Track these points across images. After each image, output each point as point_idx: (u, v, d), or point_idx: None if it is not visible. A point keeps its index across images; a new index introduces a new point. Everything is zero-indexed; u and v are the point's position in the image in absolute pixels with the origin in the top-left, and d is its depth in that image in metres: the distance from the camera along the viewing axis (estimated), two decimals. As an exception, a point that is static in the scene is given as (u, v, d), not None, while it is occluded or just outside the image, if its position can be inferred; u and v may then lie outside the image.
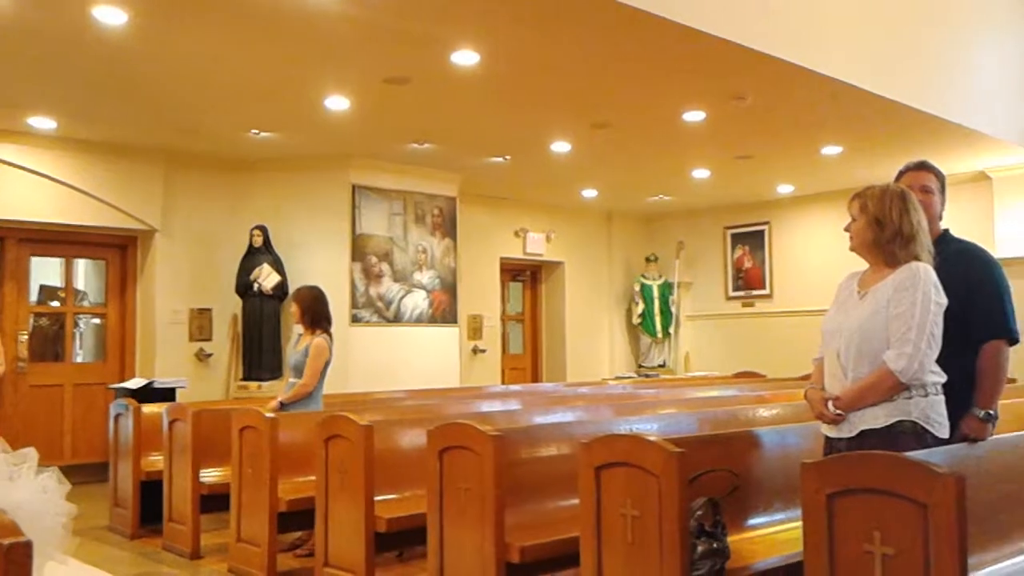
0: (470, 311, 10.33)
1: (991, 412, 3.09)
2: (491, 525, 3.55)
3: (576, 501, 3.35)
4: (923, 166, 3.37)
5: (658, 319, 11.72)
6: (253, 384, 8.22)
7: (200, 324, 8.41)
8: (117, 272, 8.35)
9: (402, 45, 5.45)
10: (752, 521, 3.39)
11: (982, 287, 3.16)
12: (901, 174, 3.38)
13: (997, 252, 7.00)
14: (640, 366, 11.88)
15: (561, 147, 8.08)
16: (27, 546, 1.86)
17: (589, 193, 10.57)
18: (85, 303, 8.48)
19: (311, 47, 5.47)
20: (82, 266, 8.53)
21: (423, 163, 8.72)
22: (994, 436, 3.12)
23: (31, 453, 2.23)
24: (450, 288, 9.30)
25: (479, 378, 10.21)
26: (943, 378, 2.85)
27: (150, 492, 5.75)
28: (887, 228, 2.88)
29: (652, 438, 3.12)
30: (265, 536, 4.67)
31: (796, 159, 8.78)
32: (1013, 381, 4.34)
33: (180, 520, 5.33)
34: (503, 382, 10.57)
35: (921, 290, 2.77)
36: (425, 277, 9.06)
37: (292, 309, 5.77)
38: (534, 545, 3.53)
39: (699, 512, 2.96)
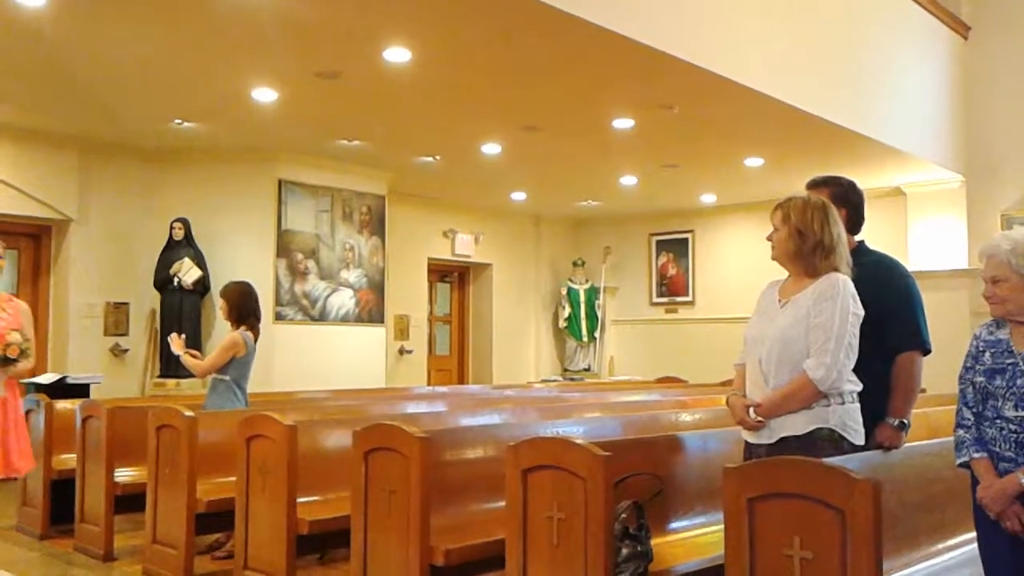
0: (397, 311, 10.26)
1: (905, 421, 3.19)
2: (416, 527, 3.52)
3: (502, 503, 3.35)
4: (816, 183, 3.43)
5: (584, 323, 11.83)
6: (171, 382, 8.01)
7: (116, 319, 8.17)
8: (30, 262, 8.05)
9: (333, 39, 5.38)
10: (674, 524, 3.44)
11: (896, 299, 3.25)
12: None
13: (910, 265, 7.26)
14: (565, 369, 11.97)
15: (491, 149, 8.09)
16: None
17: (518, 196, 10.60)
18: (-6, 294, 8.15)
19: (239, 36, 5.36)
20: (-9, 255, 8.19)
21: (352, 160, 8.63)
22: (907, 444, 3.23)
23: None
24: (377, 287, 9.22)
25: (405, 379, 10.15)
26: (859, 386, 2.94)
27: (61, 491, 5.55)
28: (808, 239, 2.95)
29: (579, 441, 3.14)
30: (183, 538, 4.55)
31: (720, 169, 8.96)
32: (924, 391, 4.49)
33: (93, 521, 5.16)
34: (429, 383, 10.53)
35: (840, 301, 2.85)
36: (352, 276, 8.96)
37: (220, 305, 5.65)
38: (459, 548, 3.52)
39: (623, 515, 2.99)
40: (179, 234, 8.14)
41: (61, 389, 6.40)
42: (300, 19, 5.03)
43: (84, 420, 5.30)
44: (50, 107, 6.85)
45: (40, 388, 6.34)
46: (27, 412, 5.85)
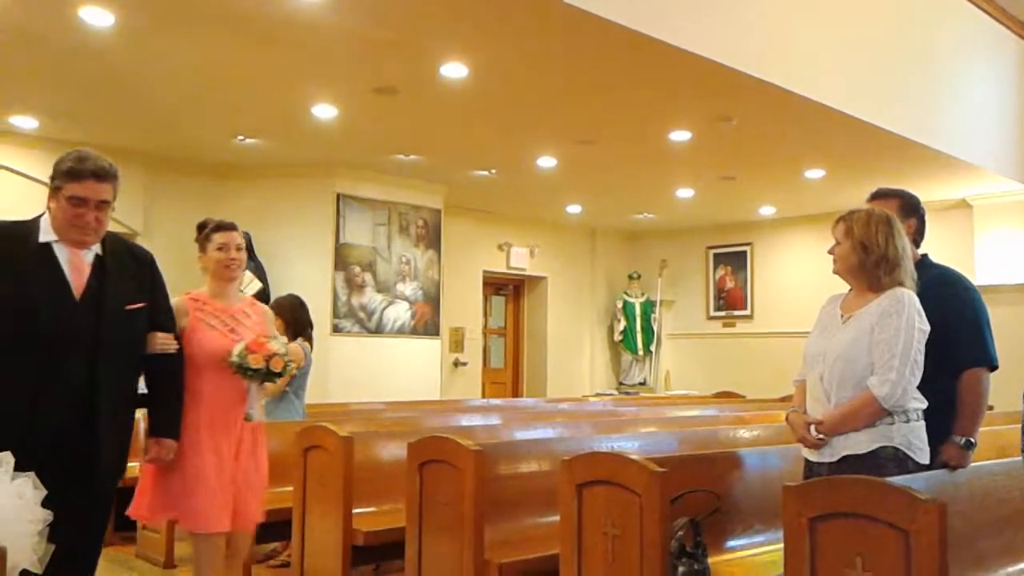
0: (452, 324, 10.30)
1: (971, 440, 3.10)
2: (470, 541, 3.52)
3: (556, 518, 3.33)
4: (879, 195, 3.36)
5: (639, 337, 11.74)
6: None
7: (179, 330, 8.32)
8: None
9: (392, 56, 5.44)
10: (732, 543, 3.38)
11: (962, 314, 3.17)
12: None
13: (976, 279, 7.07)
14: (620, 383, 11.89)
15: (547, 162, 8.09)
16: (1, 552, 1.83)
17: (573, 209, 10.59)
18: (63, 305, 8.38)
19: (301, 55, 5.45)
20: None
21: (409, 174, 8.71)
22: (973, 463, 3.14)
23: (6, 458, 2.20)
24: (433, 300, 9.28)
25: (460, 391, 10.17)
26: (924, 404, 2.86)
27: (125, 499, 5.66)
28: (872, 253, 2.89)
29: (634, 457, 3.11)
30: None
31: (779, 181, 8.84)
32: (991, 408, 4.36)
33: (153, 528, 5.26)
34: (483, 396, 10.54)
35: (906, 317, 2.79)
36: (408, 288, 9.03)
37: (275, 323, 5.71)
38: (513, 562, 3.50)
39: (680, 532, 2.95)
40: (240, 247, 8.28)
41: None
42: (360, 37, 5.10)
43: (148, 429, 5.41)
44: (117, 124, 7.04)
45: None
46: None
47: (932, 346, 2.86)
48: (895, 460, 2.77)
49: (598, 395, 10.27)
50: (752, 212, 10.58)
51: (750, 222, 11.07)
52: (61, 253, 2.81)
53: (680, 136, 7.09)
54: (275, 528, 4.69)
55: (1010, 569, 2.99)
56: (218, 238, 3.55)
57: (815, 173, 8.35)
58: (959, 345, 3.10)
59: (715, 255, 11.63)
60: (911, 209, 3.29)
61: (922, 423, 2.86)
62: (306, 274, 8.30)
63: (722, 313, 11.52)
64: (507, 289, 11.76)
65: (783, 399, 7.73)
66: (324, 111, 6.58)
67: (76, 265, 2.80)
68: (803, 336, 3.15)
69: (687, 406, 7.66)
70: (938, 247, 3.53)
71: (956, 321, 3.12)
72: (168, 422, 3.18)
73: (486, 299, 11.25)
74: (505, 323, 11.78)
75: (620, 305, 11.87)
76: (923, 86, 7.25)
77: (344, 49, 5.33)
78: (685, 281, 11.88)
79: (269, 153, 7.92)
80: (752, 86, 5.71)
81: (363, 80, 5.90)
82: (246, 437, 3.44)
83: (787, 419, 3.07)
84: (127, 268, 2.94)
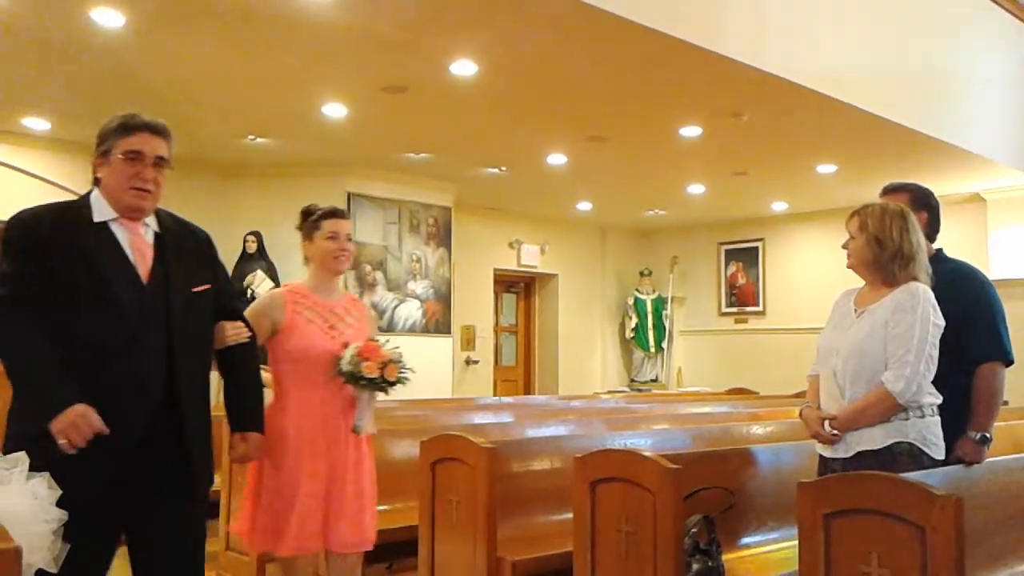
0: (463, 322, 10.30)
1: (986, 435, 3.08)
2: (483, 539, 3.52)
3: (569, 515, 3.33)
4: (892, 189, 3.35)
5: (651, 333, 11.72)
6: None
7: (192, 329, 8.34)
8: (109, 275, 8.30)
9: (401, 54, 5.44)
10: (746, 540, 3.37)
11: (977, 308, 3.15)
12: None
13: (991, 273, 7.01)
14: (632, 380, 11.87)
15: (557, 159, 8.08)
16: (16, 552, 1.83)
17: (584, 206, 10.57)
18: (76, 306, 8.42)
19: (310, 54, 5.46)
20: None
21: (419, 172, 8.71)
22: (989, 459, 3.12)
23: (22, 458, 2.20)
24: (444, 298, 9.28)
25: (471, 389, 10.18)
26: (939, 399, 2.85)
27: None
28: (887, 247, 2.87)
29: (647, 454, 3.10)
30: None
31: (791, 177, 8.80)
32: (1006, 403, 4.33)
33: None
34: (495, 394, 10.54)
35: (920, 311, 2.77)
36: (419, 287, 9.03)
37: None
38: (527, 560, 3.50)
39: (694, 529, 2.94)
40: (252, 247, 8.30)
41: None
42: (369, 36, 5.10)
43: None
44: (129, 124, 7.06)
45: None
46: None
47: (947, 341, 2.85)
48: (910, 456, 2.76)
49: (610, 392, 10.25)
50: (764, 208, 10.54)
51: (762, 218, 11.03)
52: (120, 234, 2.47)
53: (691, 132, 7.07)
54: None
55: (1027, 565, 2.97)
56: (328, 226, 3.23)
57: (827, 168, 8.31)
58: (974, 340, 3.08)
59: (727, 251, 11.59)
60: (922, 203, 3.27)
61: (937, 418, 2.84)
62: (317, 273, 8.28)
63: (734, 309, 11.49)
64: (518, 287, 11.75)
65: (797, 395, 7.69)
66: (334, 110, 6.59)
67: (138, 246, 2.48)
68: (816, 332, 3.14)
69: (700, 403, 7.63)
70: (951, 241, 3.51)
71: (971, 316, 3.10)
72: (252, 415, 2.81)
73: (497, 297, 11.24)
74: (516, 321, 11.78)
75: (631, 302, 11.85)
76: (935, 80, 7.20)
77: (354, 48, 5.33)
78: (696, 277, 11.84)
79: (279, 152, 7.94)
80: (763, 81, 5.69)
81: (373, 79, 5.90)
82: (352, 450, 3.10)
83: (801, 415, 3.05)
84: (187, 246, 2.62)
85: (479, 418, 5.98)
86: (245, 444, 2.78)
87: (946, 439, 2.88)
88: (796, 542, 2.59)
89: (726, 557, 3.04)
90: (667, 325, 11.76)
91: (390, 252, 8.82)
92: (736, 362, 11.16)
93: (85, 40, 5.15)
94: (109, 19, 4.84)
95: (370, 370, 2.99)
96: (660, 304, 11.79)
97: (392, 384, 3.07)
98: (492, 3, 4.71)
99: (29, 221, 2.45)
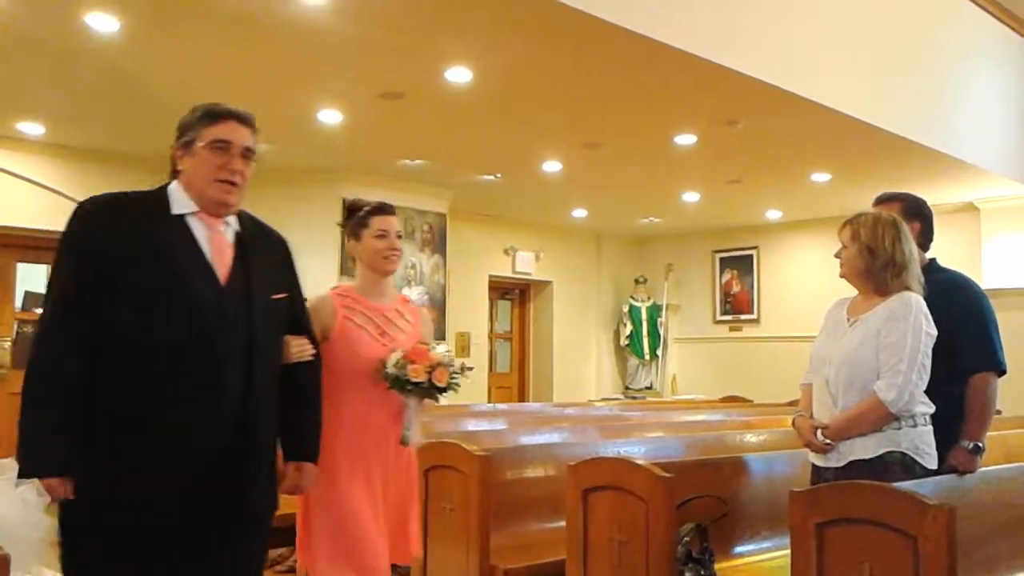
0: (458, 328, 10.29)
1: (979, 444, 3.08)
2: (476, 546, 3.52)
3: (562, 523, 3.32)
4: (885, 199, 3.35)
5: (646, 341, 11.72)
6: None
7: (185, 335, 8.32)
8: (103, 280, 8.27)
9: (397, 61, 5.45)
10: (739, 548, 3.37)
11: (970, 318, 3.16)
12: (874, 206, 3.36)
13: (984, 283, 7.03)
14: (627, 388, 11.87)
15: (552, 166, 8.09)
16: (5, 560, 1.82)
17: (579, 213, 10.58)
18: (69, 311, 8.39)
19: (306, 60, 5.46)
20: (68, 273, 8.45)
21: (414, 179, 8.71)
22: (981, 468, 3.12)
23: (10, 464, 2.19)
24: (438, 305, 9.27)
25: (465, 396, 10.12)
26: (932, 408, 2.85)
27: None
28: (879, 257, 2.88)
29: (640, 462, 3.10)
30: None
31: (785, 185, 8.82)
32: (999, 413, 4.34)
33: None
34: (489, 400, 10.52)
35: (912, 320, 2.77)
36: (414, 293, 9.02)
37: None
38: (519, 568, 3.50)
39: (686, 538, 2.94)
40: (246, 252, 8.29)
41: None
42: (365, 42, 5.10)
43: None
44: (123, 129, 7.05)
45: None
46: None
47: (940, 350, 2.85)
48: (902, 465, 2.76)
49: (604, 400, 10.24)
50: (758, 216, 10.57)
51: (756, 226, 11.05)
52: (199, 229, 2.24)
53: (685, 140, 7.08)
54: (281, 533, 4.68)
55: (1020, 574, 2.97)
56: (377, 223, 2.99)
57: (821, 176, 8.33)
58: (967, 349, 3.09)
59: (721, 259, 11.61)
60: (914, 212, 3.27)
61: (929, 427, 2.84)
62: (313, 279, 8.11)
63: (728, 317, 11.50)
64: (513, 294, 11.75)
65: (790, 403, 7.70)
66: (329, 116, 6.59)
67: (217, 244, 2.24)
68: (810, 340, 3.14)
69: (694, 410, 7.63)
70: (945, 250, 3.51)
71: (964, 325, 3.10)
72: (310, 443, 2.52)
73: (492, 304, 11.24)
74: (511, 328, 11.77)
75: (626, 309, 11.85)
76: (930, 89, 7.22)
77: (349, 54, 5.34)
78: (691, 285, 11.85)
79: (275, 159, 7.92)
80: (757, 89, 5.70)
81: (368, 85, 5.91)
82: (398, 461, 2.89)
83: (793, 423, 3.06)
84: (267, 250, 2.41)
85: (473, 425, 5.97)
86: (299, 475, 2.49)
87: (939, 448, 2.89)
88: (789, 551, 2.59)
89: (719, 566, 3.04)
90: (662, 333, 11.76)
91: (385, 258, 8.80)
92: (730, 370, 11.17)
93: (80, 44, 5.14)
94: (104, 24, 4.83)
95: (416, 374, 2.75)
96: (655, 312, 11.79)
97: (442, 390, 2.80)
98: (487, 10, 4.72)
99: (98, 209, 2.25)
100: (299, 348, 2.44)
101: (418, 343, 2.88)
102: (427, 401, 2.89)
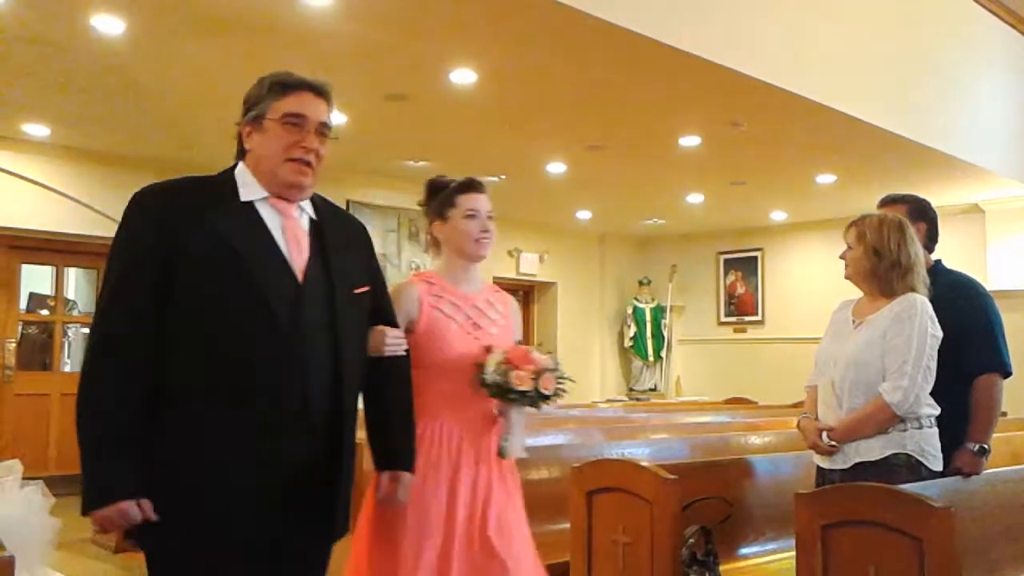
0: (462, 330, 10.28)
1: (984, 446, 3.08)
2: (480, 548, 3.50)
3: (566, 525, 3.32)
4: (891, 200, 3.35)
5: (650, 342, 11.71)
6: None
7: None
8: (108, 282, 8.29)
9: (402, 62, 5.45)
10: (744, 550, 3.36)
11: (975, 320, 3.16)
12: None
13: (989, 284, 7.00)
14: (631, 389, 11.85)
15: (556, 168, 8.09)
16: (10, 561, 1.82)
17: (583, 215, 10.58)
18: (75, 312, 8.41)
19: (310, 62, 5.45)
20: (73, 275, 8.47)
21: (419, 180, 8.57)
22: (987, 470, 3.11)
23: (16, 466, 2.20)
24: (442, 306, 9.27)
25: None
26: (937, 410, 2.85)
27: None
28: (885, 258, 2.88)
29: (645, 464, 3.09)
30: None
31: (790, 186, 8.81)
32: (1004, 415, 4.33)
33: None
34: (493, 402, 10.49)
35: (918, 322, 2.77)
36: (417, 295, 9.02)
37: None
38: (523, 569, 3.48)
39: (691, 540, 2.93)
40: (251, 254, 8.30)
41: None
42: (370, 44, 5.11)
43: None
44: (128, 132, 7.06)
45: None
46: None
47: (945, 352, 2.85)
48: (908, 467, 2.75)
49: (608, 401, 10.23)
50: (763, 217, 10.55)
51: (761, 227, 11.04)
52: (271, 217, 2.00)
53: (690, 141, 7.07)
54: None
55: (1025, 577, 2.97)
56: (465, 202, 2.70)
57: (826, 178, 8.32)
58: (972, 351, 3.08)
59: (726, 260, 11.60)
60: (920, 214, 3.27)
61: (935, 429, 2.84)
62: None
63: (733, 319, 11.48)
64: (517, 295, 11.74)
65: (795, 405, 7.68)
66: (334, 118, 6.55)
67: (293, 233, 2.00)
68: (814, 342, 3.14)
69: (698, 412, 7.62)
70: (950, 252, 3.51)
71: (969, 327, 3.10)
72: (406, 449, 2.27)
73: (496, 305, 11.22)
74: (515, 329, 11.76)
75: (630, 311, 11.84)
76: (935, 90, 7.21)
77: (354, 56, 5.34)
78: (695, 286, 11.84)
79: (279, 160, 7.94)
80: (762, 91, 5.69)
81: (373, 87, 5.91)
82: (495, 477, 2.51)
83: (799, 425, 3.05)
84: (344, 237, 2.16)
85: (477, 427, 5.95)
86: (394, 484, 2.23)
87: (944, 451, 2.88)
88: (794, 553, 2.58)
89: (723, 568, 3.03)
90: (666, 334, 11.75)
91: (389, 260, 8.81)
92: (735, 372, 11.15)
93: (85, 47, 5.15)
94: (109, 26, 4.84)
95: (521, 382, 2.42)
96: (659, 313, 11.78)
97: (547, 399, 2.49)
98: (492, 12, 4.72)
99: (155, 199, 1.98)
100: (395, 340, 2.18)
101: (517, 344, 2.59)
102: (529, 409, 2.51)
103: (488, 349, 2.49)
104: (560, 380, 2.53)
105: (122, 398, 1.85)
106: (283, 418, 1.90)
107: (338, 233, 2.12)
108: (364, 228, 2.29)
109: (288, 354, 1.90)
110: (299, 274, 1.96)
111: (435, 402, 2.47)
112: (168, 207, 1.95)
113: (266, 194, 2.01)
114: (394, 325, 2.25)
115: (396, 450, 2.24)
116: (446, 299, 2.59)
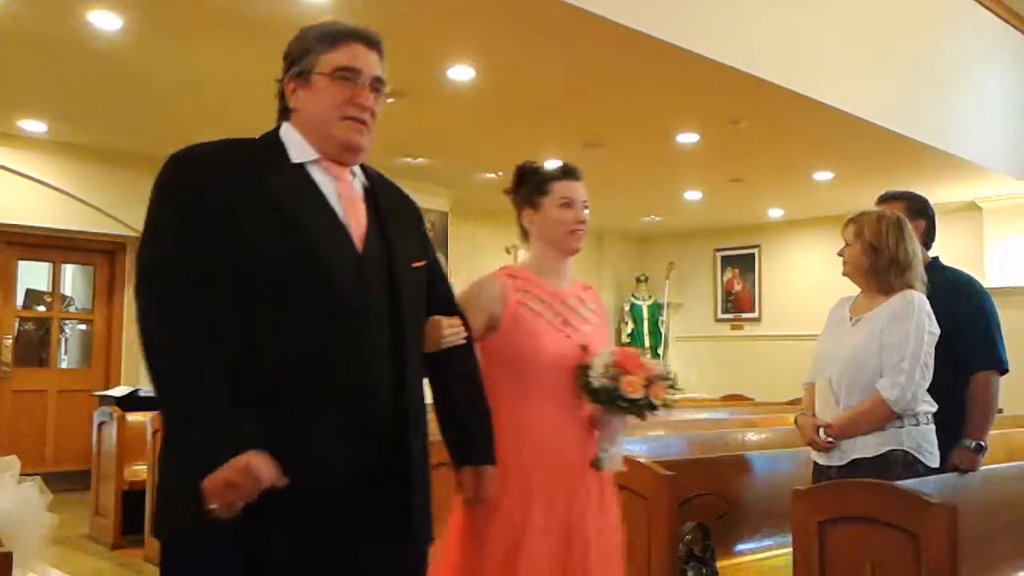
0: (459, 327, 10.28)
1: (981, 443, 3.08)
2: (477, 544, 3.50)
3: (564, 522, 3.31)
4: (889, 197, 3.35)
5: (647, 339, 11.72)
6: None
7: (187, 333, 8.31)
8: (105, 278, 8.29)
9: (400, 59, 5.41)
10: (741, 547, 3.36)
11: (972, 317, 3.16)
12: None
13: (987, 282, 7.02)
14: (628, 386, 11.85)
15: (553, 165, 8.06)
16: (7, 557, 1.82)
17: (581, 212, 10.57)
18: (72, 309, 8.40)
19: (308, 59, 5.46)
20: (70, 271, 8.46)
21: (416, 177, 8.70)
22: (983, 467, 3.12)
23: (13, 462, 2.19)
24: (440, 303, 9.26)
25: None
26: (934, 407, 2.85)
27: (132, 502, 5.68)
28: (883, 255, 2.88)
29: (642, 460, 3.09)
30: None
31: (787, 184, 8.82)
32: (1001, 411, 4.33)
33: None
34: (490, 399, 10.50)
35: (915, 319, 2.77)
36: (415, 291, 9.02)
37: None
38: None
39: (688, 537, 2.94)
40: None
41: (134, 402, 6.55)
42: (366, 38, 5.10)
43: (155, 432, 5.42)
44: (125, 128, 7.05)
45: (113, 401, 6.50)
46: (100, 424, 6.03)
47: (942, 349, 2.85)
48: (905, 463, 2.76)
49: (606, 398, 10.23)
50: (760, 214, 10.56)
51: (758, 224, 11.05)
52: (325, 182, 1.78)
53: (688, 138, 7.07)
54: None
55: (1022, 573, 2.97)
56: (560, 189, 2.51)
57: (824, 175, 8.33)
58: (969, 348, 3.09)
59: (723, 257, 11.61)
60: (918, 211, 3.28)
61: (932, 426, 2.84)
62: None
63: (730, 315, 11.50)
64: (515, 292, 11.74)
65: (792, 402, 7.69)
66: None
67: (349, 199, 1.78)
68: (812, 339, 3.14)
69: (695, 409, 7.62)
70: (948, 249, 3.51)
71: (966, 324, 3.10)
72: (484, 441, 2.05)
73: (494, 302, 11.22)
74: (513, 326, 11.76)
75: (627, 307, 11.85)
76: (933, 88, 7.22)
77: (351, 52, 5.33)
78: (693, 283, 11.85)
79: (277, 156, 7.93)
80: (760, 88, 5.70)
81: (370, 83, 5.90)
82: (592, 489, 2.29)
83: (796, 422, 3.05)
84: (399, 207, 1.94)
85: (474, 423, 5.95)
86: (477, 480, 2.04)
87: (941, 447, 2.88)
88: (791, 549, 2.58)
89: (720, 564, 3.03)
90: (663, 331, 11.76)
91: (387, 256, 8.80)
92: (732, 368, 11.16)
93: (82, 42, 5.14)
94: (107, 22, 4.83)
95: (632, 388, 2.16)
96: (656, 310, 11.79)
97: (654, 409, 2.21)
98: (490, 8, 4.72)
99: (195, 159, 1.80)
100: (452, 330, 1.95)
101: (623, 346, 2.40)
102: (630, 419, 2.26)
103: (584, 348, 2.30)
104: (671, 390, 2.27)
105: (200, 348, 1.63)
106: (344, 410, 1.65)
107: (393, 202, 1.90)
108: (415, 203, 2.05)
109: (353, 335, 1.66)
110: (357, 241, 1.73)
111: (525, 406, 2.27)
112: (209, 170, 1.76)
113: (317, 156, 1.80)
114: (451, 302, 2.05)
115: (474, 442, 2.04)
116: (533, 294, 2.39)
